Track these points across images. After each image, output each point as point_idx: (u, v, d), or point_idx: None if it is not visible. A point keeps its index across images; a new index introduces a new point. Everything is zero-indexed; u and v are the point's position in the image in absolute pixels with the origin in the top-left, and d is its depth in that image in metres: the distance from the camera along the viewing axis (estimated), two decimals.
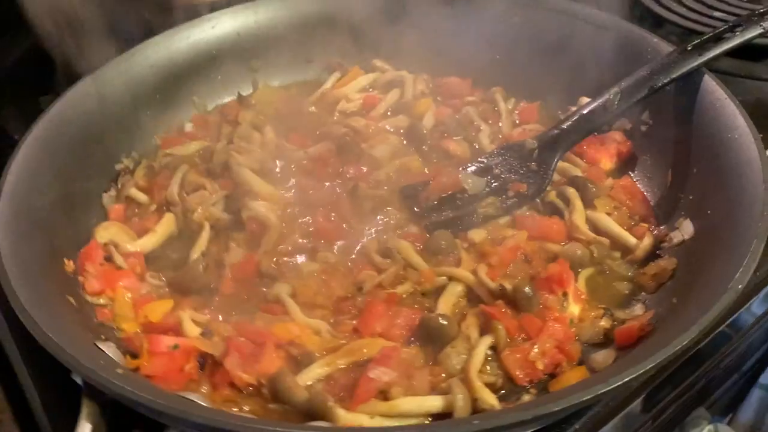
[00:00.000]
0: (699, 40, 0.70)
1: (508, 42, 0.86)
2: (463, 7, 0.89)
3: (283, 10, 0.89)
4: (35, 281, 0.57)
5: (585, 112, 0.71)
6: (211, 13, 0.86)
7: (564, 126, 0.71)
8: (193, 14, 0.86)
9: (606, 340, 0.57)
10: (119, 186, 0.74)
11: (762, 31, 0.70)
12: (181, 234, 0.70)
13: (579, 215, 0.66)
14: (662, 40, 0.75)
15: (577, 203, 0.67)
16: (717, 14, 1.02)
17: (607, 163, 0.74)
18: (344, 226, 0.68)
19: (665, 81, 0.68)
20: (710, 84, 0.68)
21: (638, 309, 0.59)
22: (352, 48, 0.91)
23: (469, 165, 0.73)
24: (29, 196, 0.63)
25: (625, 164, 0.74)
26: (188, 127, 0.83)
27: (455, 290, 0.61)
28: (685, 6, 1.04)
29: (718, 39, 0.70)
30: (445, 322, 0.56)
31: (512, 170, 0.71)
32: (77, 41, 0.87)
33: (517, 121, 0.82)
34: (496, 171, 0.71)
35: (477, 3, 0.88)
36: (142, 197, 0.74)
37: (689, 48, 0.70)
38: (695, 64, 0.68)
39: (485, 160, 0.73)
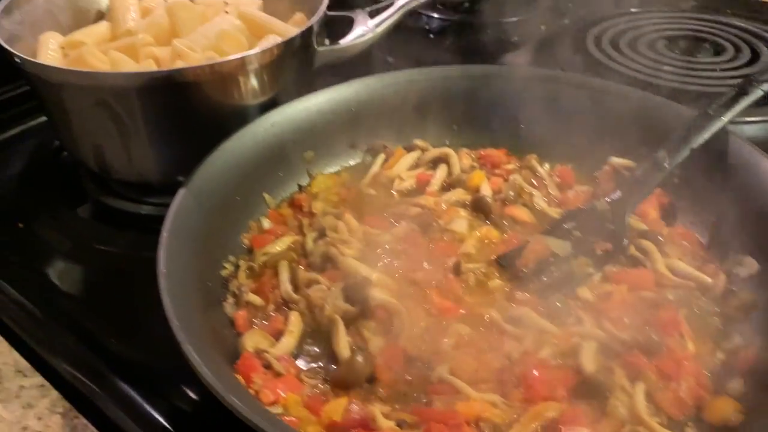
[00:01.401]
0: (716, 104, 0.85)
1: (533, 113, 0.98)
2: (487, 83, 1.00)
3: (331, 102, 0.94)
4: None
5: (642, 174, 0.83)
6: (265, 113, 0.89)
7: (627, 188, 0.83)
8: (243, 116, 0.90)
9: (726, 369, 0.68)
10: (234, 292, 0.76)
11: (763, 93, 0.86)
12: (311, 330, 0.73)
13: (661, 264, 0.77)
14: (681, 105, 0.90)
15: (656, 254, 0.78)
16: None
17: (653, 213, 0.86)
18: (459, 301, 0.75)
19: (701, 141, 0.82)
20: (733, 138, 0.83)
21: (737, 339, 0.71)
22: (393, 130, 0.99)
23: (548, 230, 0.83)
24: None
25: (668, 213, 0.87)
26: (266, 224, 0.86)
27: (592, 347, 0.69)
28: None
29: (732, 101, 0.85)
30: (604, 378, 0.64)
31: (592, 231, 0.81)
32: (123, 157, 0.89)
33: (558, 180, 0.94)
34: (577, 233, 0.81)
35: (500, 79, 0.99)
36: (257, 300, 0.75)
37: (710, 111, 0.84)
38: (722, 123, 0.83)
39: (563, 224, 0.83)
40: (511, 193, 0.89)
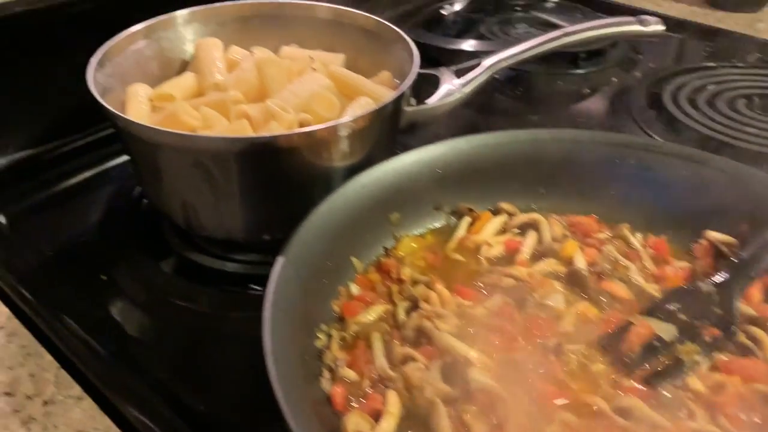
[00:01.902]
0: None
1: (625, 180, 0.95)
2: (578, 149, 0.97)
3: (419, 164, 0.93)
4: None
5: (750, 257, 0.80)
6: (352, 175, 0.88)
7: (734, 271, 0.80)
8: (330, 178, 0.89)
9: None
10: (330, 365, 0.74)
11: None
12: (409, 412, 0.71)
13: None
14: None
15: (766, 341, 0.75)
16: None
17: (757, 295, 0.83)
18: (562, 386, 0.73)
19: None
20: None
21: None
22: (478, 192, 0.97)
23: (650, 310, 0.80)
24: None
25: None
26: (355, 290, 0.84)
27: None
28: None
29: None
30: None
31: (698, 315, 0.78)
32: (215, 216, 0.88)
33: (653, 253, 0.91)
34: (682, 316, 0.78)
35: (592, 144, 0.97)
36: (352, 375, 0.74)
37: None
38: None
39: (665, 305, 0.80)
40: (607, 266, 0.87)
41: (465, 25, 1.63)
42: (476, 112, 1.35)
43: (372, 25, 1.07)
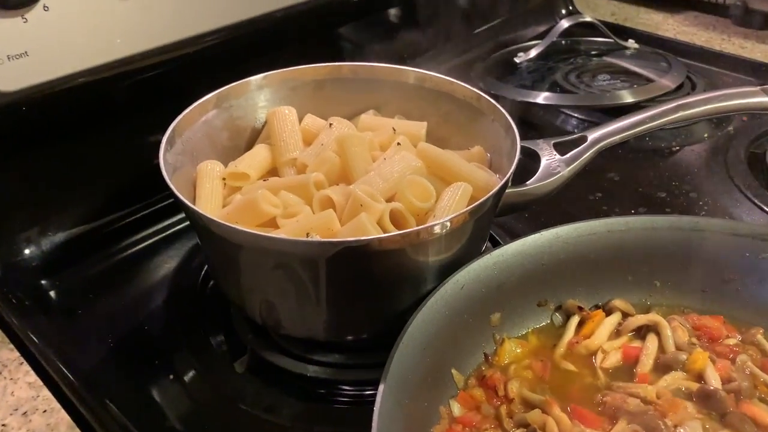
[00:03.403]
0: None
1: (755, 275, 0.84)
2: (699, 237, 0.86)
3: (522, 256, 0.83)
4: None
5: None
6: (446, 273, 0.78)
7: None
8: (421, 278, 0.79)
9: None
10: None
11: None
12: None
13: None
14: None
15: None
16: None
17: None
18: None
19: None
20: None
21: None
22: (585, 285, 0.87)
23: None
24: None
25: None
26: (456, 410, 0.74)
27: None
28: None
29: None
30: None
31: None
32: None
33: None
34: None
35: (715, 234, 0.86)
36: None
37: None
38: None
39: None
40: (746, 383, 0.75)
41: (539, 74, 1.53)
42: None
43: (460, 92, 0.97)
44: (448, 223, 0.73)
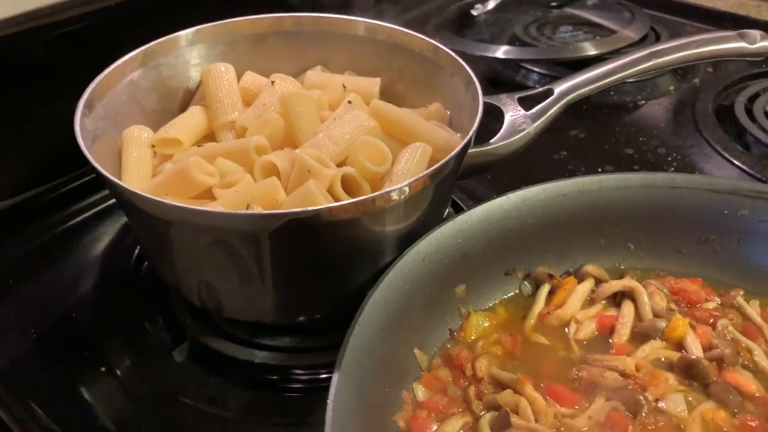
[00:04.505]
0: None
1: (733, 234, 0.79)
2: (675, 196, 0.80)
3: (487, 223, 0.76)
4: None
5: None
6: (406, 243, 0.71)
7: None
8: (378, 249, 0.71)
9: None
10: None
11: None
12: None
13: None
14: None
15: None
16: None
17: None
18: None
19: None
20: None
21: None
22: (554, 251, 0.80)
23: None
24: None
25: None
26: (421, 393, 0.67)
27: None
28: None
29: None
30: None
31: None
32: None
33: None
34: None
35: (692, 191, 0.80)
36: None
37: None
38: None
39: None
40: (728, 350, 0.70)
41: (498, 27, 1.45)
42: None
43: (415, 44, 0.89)
44: (407, 189, 0.65)
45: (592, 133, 1.22)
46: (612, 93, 1.30)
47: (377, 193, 0.64)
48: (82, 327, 0.82)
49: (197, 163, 0.71)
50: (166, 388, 0.74)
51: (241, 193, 0.70)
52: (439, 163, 0.67)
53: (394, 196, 0.65)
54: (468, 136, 0.70)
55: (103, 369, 0.76)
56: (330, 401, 0.55)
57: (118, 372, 0.77)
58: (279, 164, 0.73)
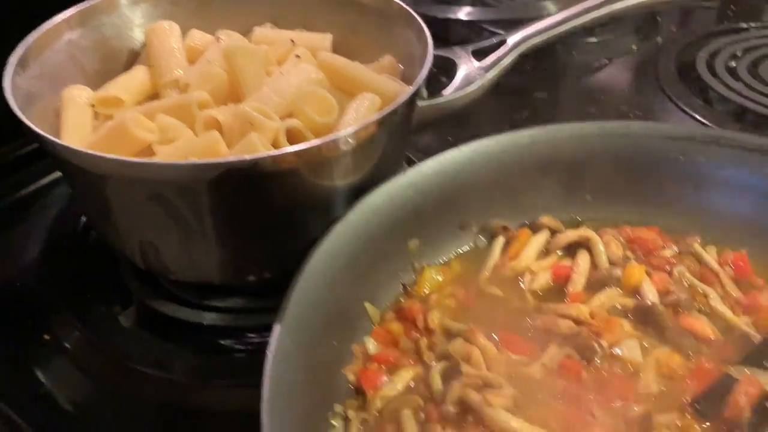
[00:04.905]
0: None
1: (690, 180, 0.78)
2: (631, 144, 0.79)
3: (439, 176, 0.74)
4: None
5: None
6: (357, 196, 0.69)
7: None
8: (329, 203, 0.69)
9: None
10: None
11: None
12: None
13: None
14: None
15: None
16: None
17: None
18: None
19: None
20: None
21: None
22: (509, 204, 0.78)
23: (750, 357, 0.63)
24: None
25: None
26: (372, 347, 0.66)
27: None
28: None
29: None
30: None
31: None
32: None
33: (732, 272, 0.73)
34: None
35: (648, 139, 0.79)
36: None
37: None
38: None
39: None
40: (683, 295, 0.69)
41: None
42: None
43: None
44: (352, 137, 0.63)
45: (555, 94, 1.21)
46: (574, 53, 1.29)
47: (321, 140, 0.61)
48: (26, 296, 0.80)
49: (135, 119, 0.68)
50: (112, 355, 0.72)
51: (180, 147, 0.67)
52: (386, 110, 0.65)
53: (339, 144, 0.63)
54: (416, 82, 0.68)
55: (47, 337, 0.74)
56: (270, 353, 0.54)
57: (64, 341, 0.74)
58: (221, 119, 0.70)
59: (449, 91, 0.79)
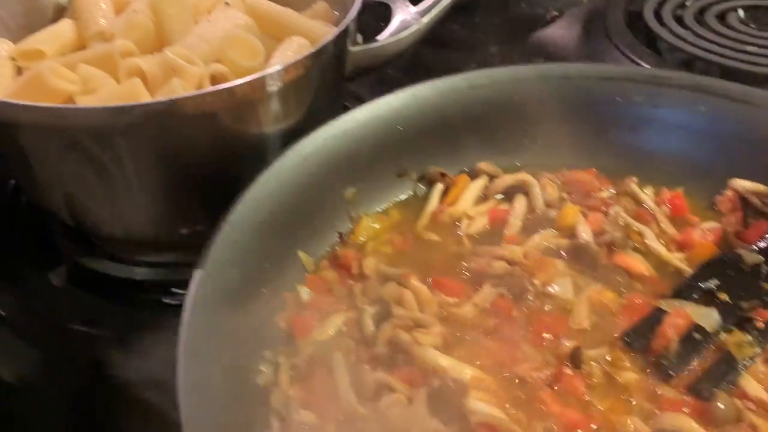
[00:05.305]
0: None
1: (628, 120, 0.77)
2: (568, 86, 0.78)
3: (375, 122, 0.73)
4: None
5: None
6: (289, 143, 0.67)
7: None
8: (259, 149, 0.68)
9: None
10: (279, 411, 0.55)
11: None
12: None
13: None
14: None
15: None
16: None
17: None
18: (586, 407, 0.56)
19: None
20: None
21: None
22: (448, 151, 0.78)
23: (680, 290, 0.63)
24: None
25: None
26: (305, 294, 0.65)
27: None
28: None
29: None
30: None
31: (743, 294, 0.61)
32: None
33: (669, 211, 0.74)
34: (723, 296, 0.62)
35: (585, 80, 0.78)
36: (309, 418, 0.55)
37: None
38: None
39: (699, 283, 0.63)
40: (618, 234, 0.69)
41: None
42: (423, 47, 1.15)
43: None
44: (277, 77, 0.61)
45: (505, 47, 1.20)
46: (524, 5, 1.28)
47: (240, 81, 0.60)
48: None
49: (53, 69, 0.66)
50: (42, 314, 0.71)
51: (101, 96, 0.65)
52: (312, 49, 0.63)
53: (262, 85, 0.61)
54: (344, 23, 0.66)
55: None
56: (188, 297, 0.52)
57: None
58: (145, 67, 0.68)
59: (385, 36, 0.78)
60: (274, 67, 0.61)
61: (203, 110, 0.60)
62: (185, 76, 0.65)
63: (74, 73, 0.68)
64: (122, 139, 0.59)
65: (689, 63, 1.09)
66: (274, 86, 0.62)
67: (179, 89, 0.62)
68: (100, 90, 0.67)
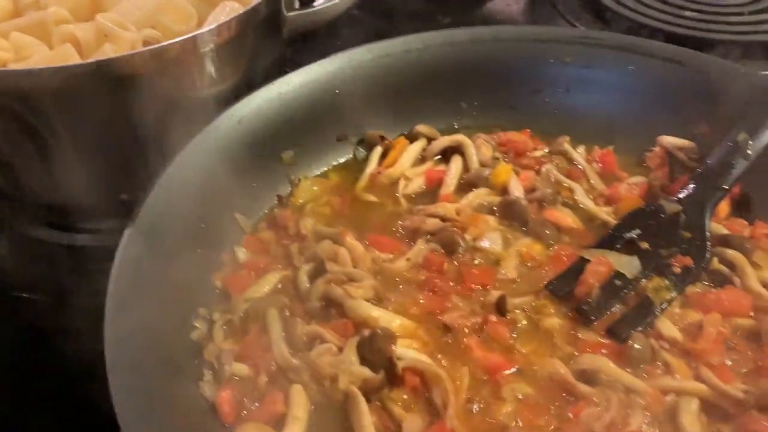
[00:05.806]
0: None
1: (561, 83, 0.79)
2: (502, 49, 0.80)
3: (310, 85, 0.74)
4: None
5: (718, 163, 0.66)
6: (227, 106, 0.68)
7: (701, 182, 0.66)
8: (197, 113, 0.69)
9: None
10: (212, 363, 0.56)
11: None
12: (321, 409, 0.55)
13: (754, 280, 0.61)
14: (753, 71, 0.73)
15: (747, 268, 0.62)
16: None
17: (724, 208, 0.70)
18: (509, 351, 0.58)
19: None
20: None
21: None
22: (388, 114, 0.79)
23: (605, 240, 0.66)
24: None
25: (741, 206, 0.70)
26: (242, 255, 0.66)
27: (692, 408, 0.53)
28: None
29: None
30: None
31: (662, 242, 0.64)
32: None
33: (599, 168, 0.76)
34: (644, 245, 0.64)
35: (518, 43, 0.80)
36: (243, 370, 0.56)
37: None
38: None
39: (623, 233, 0.65)
40: (548, 190, 0.71)
41: None
42: (376, 18, 1.15)
43: None
44: (211, 36, 0.62)
45: (454, 19, 1.21)
46: None
47: (168, 42, 0.60)
48: None
49: None
50: None
51: (33, 63, 0.65)
52: (243, 8, 0.64)
53: (198, 45, 0.62)
54: None
55: None
56: (118, 254, 0.53)
57: None
58: (79, 34, 0.68)
59: (321, 1, 0.78)
60: (202, 28, 0.61)
61: (133, 72, 0.60)
62: (118, 42, 0.65)
63: (6, 41, 0.68)
64: (53, 103, 0.59)
65: (635, 30, 1.11)
66: (205, 47, 0.62)
67: (111, 54, 0.63)
68: (32, 57, 0.67)
